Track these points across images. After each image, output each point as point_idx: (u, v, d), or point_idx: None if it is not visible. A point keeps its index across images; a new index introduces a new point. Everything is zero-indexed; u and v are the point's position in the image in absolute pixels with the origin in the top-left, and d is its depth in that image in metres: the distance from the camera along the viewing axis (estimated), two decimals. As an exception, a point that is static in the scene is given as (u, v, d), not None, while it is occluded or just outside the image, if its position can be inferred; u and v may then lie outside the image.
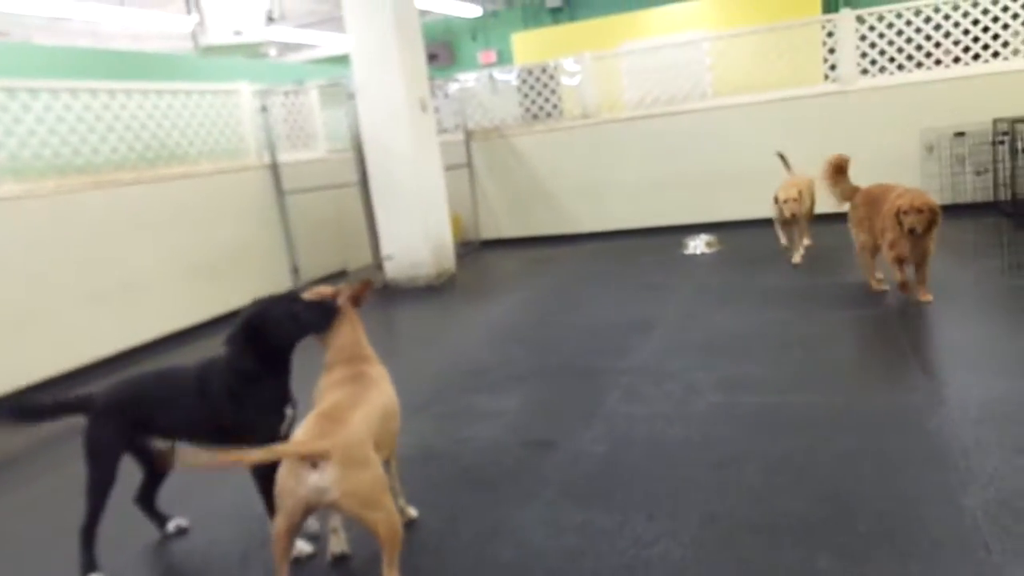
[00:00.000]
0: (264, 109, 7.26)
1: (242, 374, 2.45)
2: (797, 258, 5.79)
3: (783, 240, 6.30)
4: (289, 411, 2.54)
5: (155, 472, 2.76)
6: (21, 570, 2.76)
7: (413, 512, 2.68)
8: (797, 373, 3.66)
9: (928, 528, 2.22)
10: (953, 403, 3.05)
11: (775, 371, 3.71)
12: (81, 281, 5.36)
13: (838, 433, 2.94)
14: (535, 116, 8.73)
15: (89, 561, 2.55)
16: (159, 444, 2.65)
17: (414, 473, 2.96)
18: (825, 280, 5.15)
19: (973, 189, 6.96)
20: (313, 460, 1.96)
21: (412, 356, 4.80)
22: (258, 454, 2.00)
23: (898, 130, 7.00)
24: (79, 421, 2.53)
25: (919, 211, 4.16)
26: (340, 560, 2.48)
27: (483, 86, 8.87)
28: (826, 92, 7.31)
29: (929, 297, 4.41)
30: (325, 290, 2.55)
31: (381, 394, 2.35)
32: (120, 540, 2.70)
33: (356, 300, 2.56)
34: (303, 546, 2.53)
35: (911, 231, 4.16)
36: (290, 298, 2.50)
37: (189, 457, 1.93)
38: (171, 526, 2.84)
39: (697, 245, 6.87)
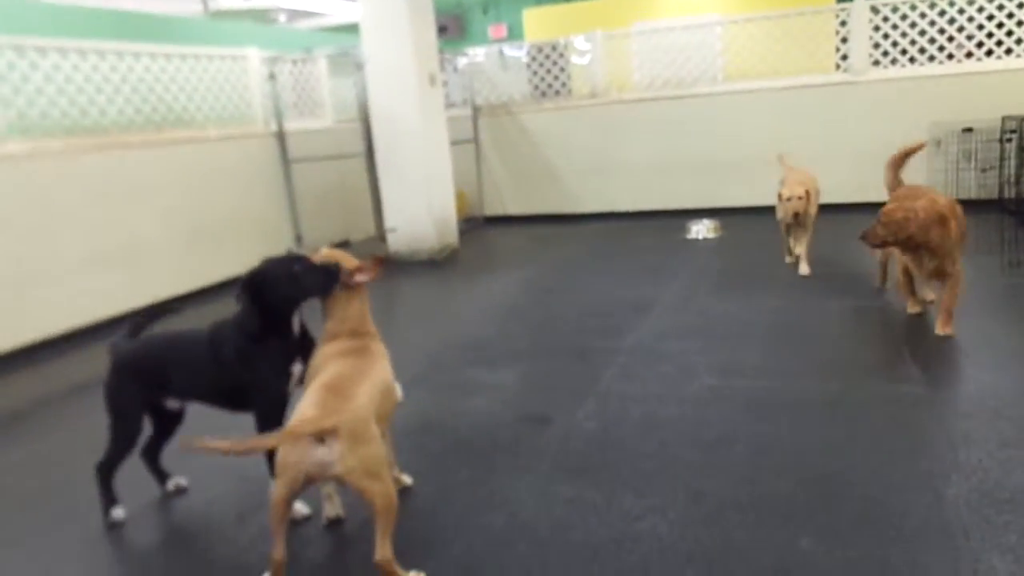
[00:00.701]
0: (272, 76, 7.25)
1: (248, 334, 2.50)
2: (805, 268, 5.16)
3: (793, 250, 5.44)
4: (297, 367, 2.57)
5: (163, 430, 2.85)
6: (35, 519, 2.82)
7: (407, 480, 2.73)
8: (792, 360, 3.70)
9: (910, 515, 2.27)
10: (945, 396, 3.10)
11: (770, 357, 3.75)
12: (87, 242, 5.39)
13: (829, 419, 2.99)
14: (544, 94, 8.71)
15: (110, 498, 2.71)
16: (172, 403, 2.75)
17: (410, 443, 3.02)
18: (826, 270, 5.17)
19: (978, 186, 6.96)
20: (320, 436, 2.00)
21: (412, 329, 4.84)
22: (272, 440, 2.06)
23: (907, 123, 6.98)
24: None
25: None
26: (335, 523, 2.53)
27: (492, 61, 8.83)
28: (837, 81, 7.29)
29: (948, 330, 3.77)
30: (341, 255, 2.55)
31: (382, 370, 2.38)
32: (119, 498, 2.75)
33: (371, 275, 2.57)
34: (300, 508, 2.59)
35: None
36: (293, 259, 2.52)
37: (208, 444, 1.96)
38: (171, 484, 2.91)
39: (700, 230, 6.90)
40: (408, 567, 2.13)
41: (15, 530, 2.76)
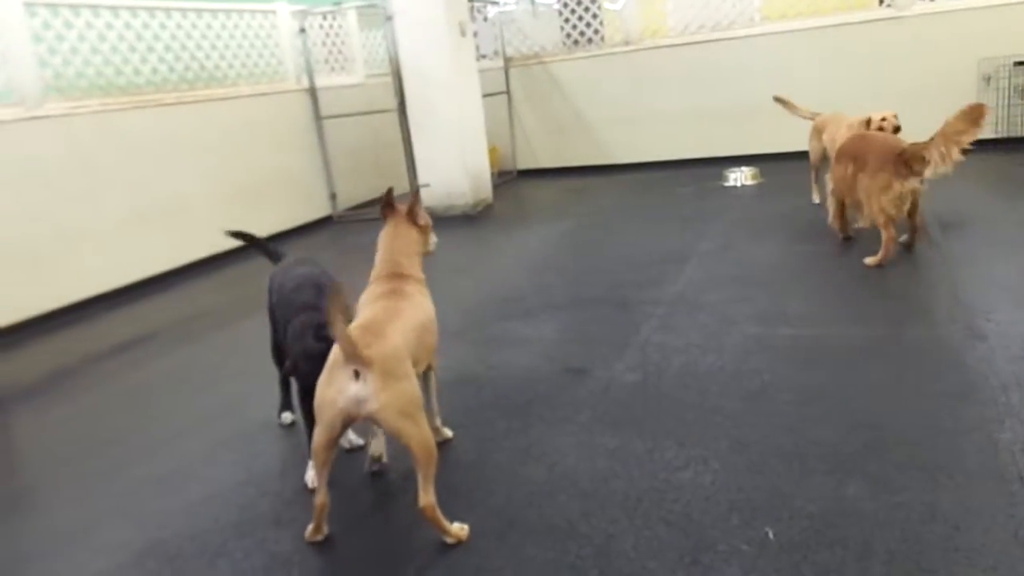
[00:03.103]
0: (302, 31, 7.19)
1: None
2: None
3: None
4: None
5: None
6: (83, 471, 2.90)
7: (449, 433, 2.74)
8: (834, 306, 3.63)
9: (962, 460, 2.22)
10: (994, 338, 3.01)
11: (812, 304, 3.68)
12: (126, 201, 5.46)
13: (874, 365, 2.93)
14: (576, 42, 8.53)
15: (285, 402, 3.01)
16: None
17: (450, 397, 3.02)
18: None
19: (1031, 122, 6.69)
20: (356, 369, 2.00)
21: (448, 284, 4.84)
22: (341, 332, 1.95)
23: (954, 59, 6.72)
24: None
25: None
26: (377, 475, 2.56)
27: (523, 10, 8.66)
28: (880, 18, 7.02)
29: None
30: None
31: (416, 308, 2.37)
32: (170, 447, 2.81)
33: (410, 213, 2.58)
34: (353, 438, 2.70)
35: None
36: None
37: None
38: (286, 416, 3.04)
39: (738, 178, 6.75)
40: (450, 519, 2.14)
41: (65, 482, 2.84)
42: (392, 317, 2.23)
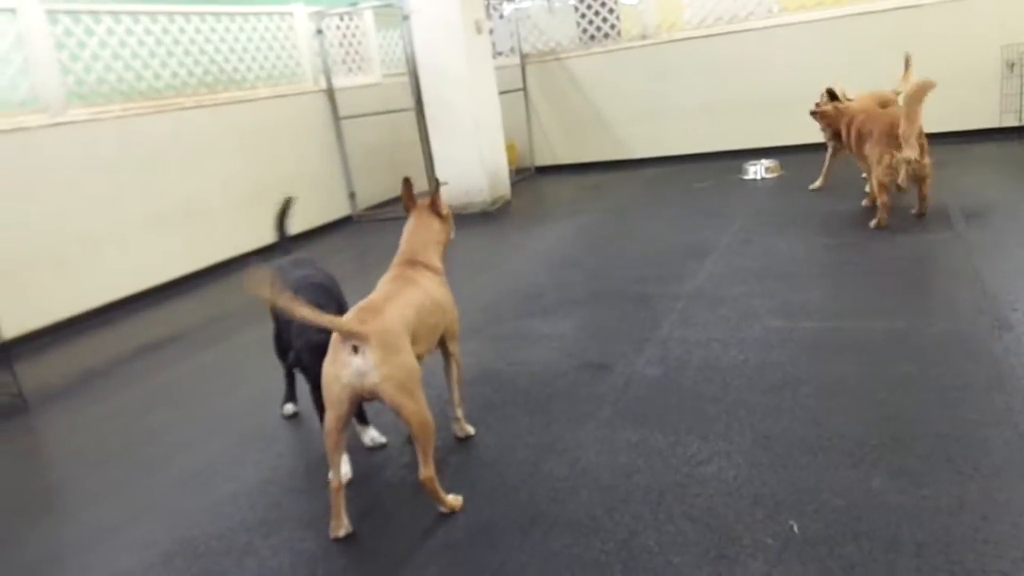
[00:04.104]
0: (319, 32, 7.23)
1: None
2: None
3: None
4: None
5: None
6: (117, 471, 2.95)
7: (471, 429, 2.76)
8: (857, 298, 3.60)
9: (989, 452, 2.19)
10: (1020, 328, 2.97)
11: (834, 297, 3.65)
12: (148, 204, 5.52)
13: (898, 357, 2.90)
14: (592, 37, 8.50)
15: (289, 394, 3.16)
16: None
17: (471, 393, 3.03)
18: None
19: (1055, 110, 6.59)
20: (354, 344, 2.09)
21: (467, 280, 4.85)
22: (312, 315, 2.05)
23: (977, 46, 6.62)
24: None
25: None
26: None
27: (539, 6, 8.65)
28: (900, 6, 6.92)
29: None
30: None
31: (418, 290, 2.43)
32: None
33: (432, 204, 2.66)
34: (375, 435, 2.79)
35: None
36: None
37: (253, 283, 2.04)
38: (289, 408, 3.18)
39: (757, 170, 6.70)
40: (473, 515, 2.17)
41: (95, 482, 2.88)
42: (390, 297, 2.32)
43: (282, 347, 3.00)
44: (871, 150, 4.59)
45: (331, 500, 2.24)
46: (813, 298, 3.65)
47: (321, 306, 2.29)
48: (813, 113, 5.44)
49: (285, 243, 3.22)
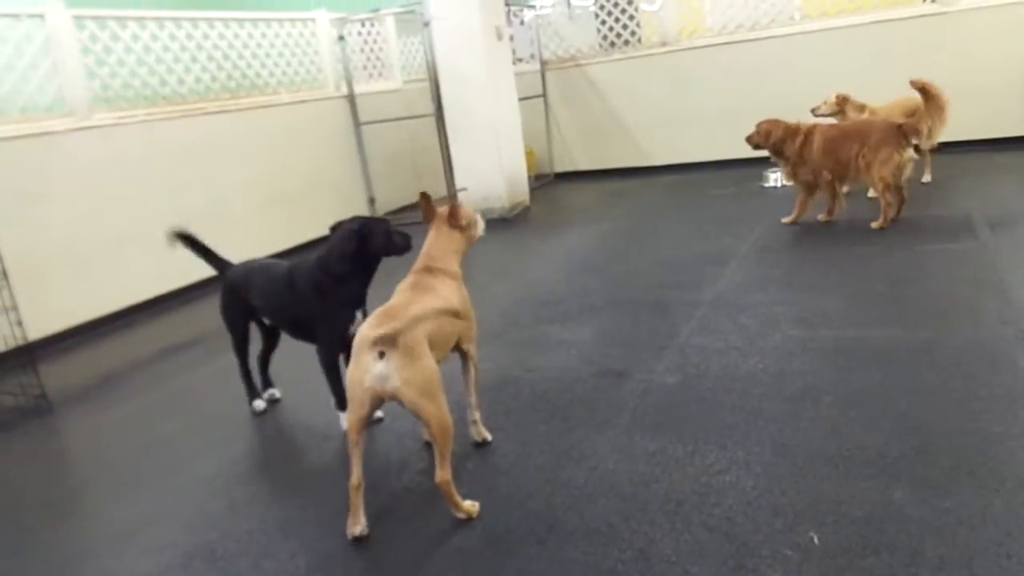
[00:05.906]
0: (341, 38, 7.28)
1: (334, 273, 2.84)
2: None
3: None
4: (359, 315, 2.88)
5: (269, 342, 3.40)
6: (138, 471, 2.97)
7: (488, 434, 2.76)
8: (879, 307, 3.56)
9: (1014, 465, 2.16)
10: (1047, 341, 2.93)
11: (855, 305, 3.62)
12: (171, 208, 5.56)
13: (920, 368, 2.87)
14: (612, 44, 8.50)
15: (252, 392, 3.36)
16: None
17: (489, 399, 3.03)
18: (912, 213, 4.93)
19: (1082, 120, 6.50)
20: (381, 349, 2.14)
21: (486, 286, 4.86)
22: None
23: (1003, 55, 6.55)
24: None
25: None
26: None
27: (559, 13, 8.66)
28: (924, 13, 6.86)
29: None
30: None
31: (437, 298, 2.46)
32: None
33: (451, 216, 2.68)
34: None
35: None
36: (384, 221, 2.91)
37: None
38: (266, 394, 3.43)
39: (778, 178, 6.66)
40: (490, 521, 2.17)
41: (116, 484, 2.91)
42: (409, 303, 2.36)
43: (244, 350, 3.31)
44: (873, 153, 4.70)
45: (350, 498, 2.26)
46: (834, 306, 3.62)
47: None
48: (749, 138, 5.51)
49: (216, 259, 3.39)
